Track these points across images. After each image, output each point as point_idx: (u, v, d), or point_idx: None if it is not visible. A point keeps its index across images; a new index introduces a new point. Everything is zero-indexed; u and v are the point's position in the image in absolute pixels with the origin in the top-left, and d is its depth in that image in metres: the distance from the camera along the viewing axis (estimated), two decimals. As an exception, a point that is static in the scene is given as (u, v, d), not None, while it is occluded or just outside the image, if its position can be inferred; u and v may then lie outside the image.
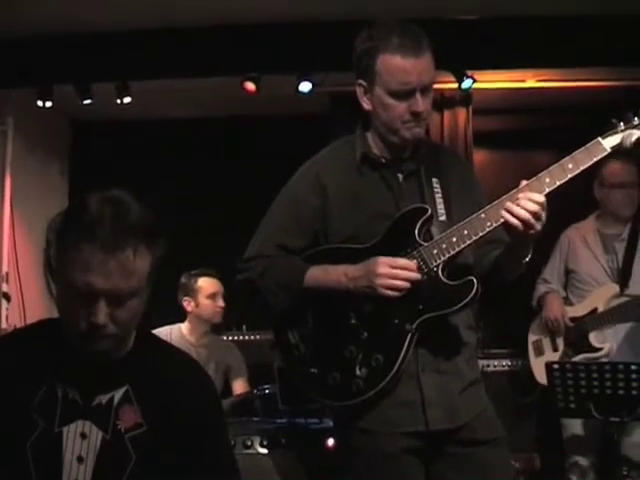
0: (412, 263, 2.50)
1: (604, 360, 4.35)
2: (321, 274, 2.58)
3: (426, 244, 2.51)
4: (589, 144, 2.43)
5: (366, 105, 2.62)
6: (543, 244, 4.33)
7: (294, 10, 5.00)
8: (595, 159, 2.42)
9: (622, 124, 2.43)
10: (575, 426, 4.39)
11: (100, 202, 1.83)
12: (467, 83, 5.44)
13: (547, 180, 2.42)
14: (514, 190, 2.44)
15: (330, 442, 4.12)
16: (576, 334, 4.48)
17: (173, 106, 6.18)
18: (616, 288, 4.44)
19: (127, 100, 5.47)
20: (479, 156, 6.11)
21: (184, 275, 5.01)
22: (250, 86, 5.38)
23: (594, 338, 4.44)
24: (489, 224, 2.45)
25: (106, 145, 6.41)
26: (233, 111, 6.20)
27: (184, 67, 5.32)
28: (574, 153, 2.43)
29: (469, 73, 5.41)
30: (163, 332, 4.80)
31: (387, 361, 2.49)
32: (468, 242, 2.48)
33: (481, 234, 2.46)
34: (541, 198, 2.38)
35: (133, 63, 5.34)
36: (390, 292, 2.48)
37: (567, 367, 3.83)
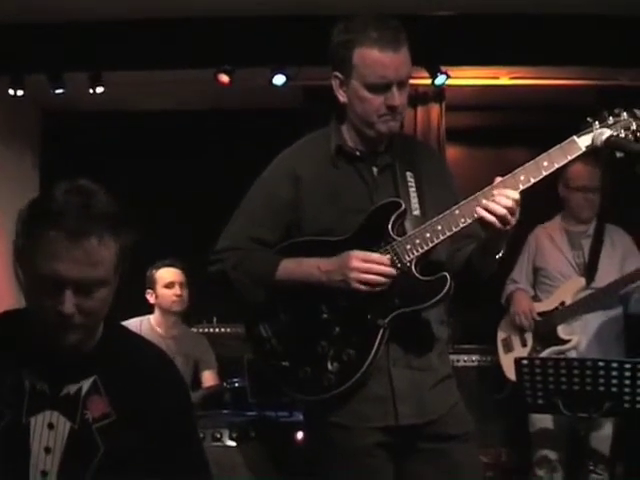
0: (385, 258, 2.49)
1: (572, 353, 4.41)
2: (294, 267, 2.56)
3: (399, 239, 2.50)
4: (564, 142, 2.43)
5: (342, 98, 2.61)
6: (513, 245, 4.41)
7: (268, 3, 4.99)
8: (570, 157, 2.42)
9: (597, 123, 2.44)
10: (543, 421, 4.43)
11: (66, 191, 1.82)
12: (441, 79, 5.46)
13: (522, 177, 2.42)
14: (488, 187, 2.44)
15: (300, 435, 4.13)
16: (544, 328, 4.53)
17: (146, 97, 6.14)
18: (582, 281, 4.51)
19: (100, 90, 5.44)
20: (452, 152, 6.14)
21: (148, 269, 5.01)
22: (224, 78, 5.37)
23: (562, 331, 4.49)
24: (463, 220, 2.45)
25: (78, 135, 6.36)
26: (207, 103, 6.17)
27: (158, 58, 5.30)
28: (549, 151, 2.44)
29: (443, 69, 5.43)
30: (133, 324, 4.78)
31: (359, 356, 2.49)
32: (442, 238, 2.47)
33: (455, 230, 2.46)
34: (516, 195, 2.39)
35: (106, 53, 5.31)
36: (363, 287, 2.47)
37: (536, 363, 3.85)
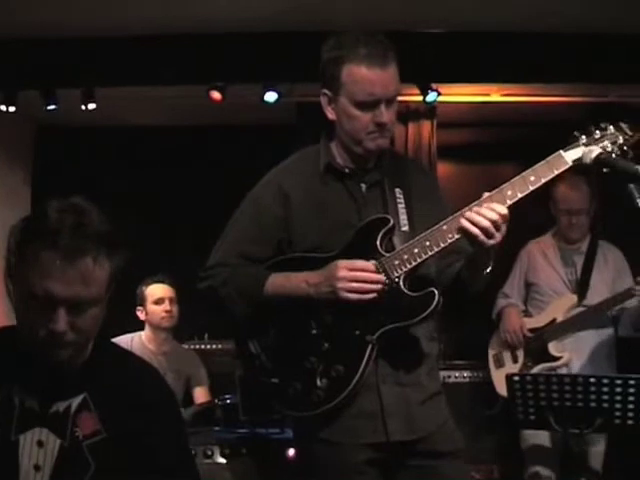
0: (371, 265, 2.48)
1: (563, 369, 4.41)
2: (282, 281, 2.55)
3: (388, 255, 2.50)
4: (550, 157, 2.45)
5: (330, 115, 2.62)
6: (505, 260, 4.42)
7: (261, 20, 5.00)
8: (557, 172, 2.44)
9: (584, 137, 2.46)
10: (535, 437, 4.43)
11: (60, 210, 1.82)
12: (432, 96, 5.47)
13: (509, 192, 2.43)
14: (475, 202, 2.44)
15: (291, 452, 4.11)
16: (535, 344, 4.53)
17: (138, 113, 6.15)
18: (574, 298, 4.51)
19: (92, 106, 5.44)
20: (443, 169, 6.15)
21: (138, 287, 5.00)
22: (216, 95, 5.38)
23: (553, 348, 4.49)
24: (450, 235, 2.45)
25: (70, 151, 6.36)
26: (199, 119, 6.18)
27: (150, 75, 5.30)
28: (536, 166, 2.45)
29: (434, 86, 5.45)
30: (124, 340, 4.77)
31: (347, 372, 2.48)
32: (430, 253, 2.48)
33: (443, 245, 2.46)
34: (503, 210, 2.39)
35: (99, 69, 5.31)
36: (351, 295, 2.45)
37: (527, 379, 3.85)
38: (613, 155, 2.43)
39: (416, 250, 2.48)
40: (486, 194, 2.45)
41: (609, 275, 4.57)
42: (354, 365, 2.48)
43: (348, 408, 2.51)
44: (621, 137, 2.46)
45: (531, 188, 2.43)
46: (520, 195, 2.43)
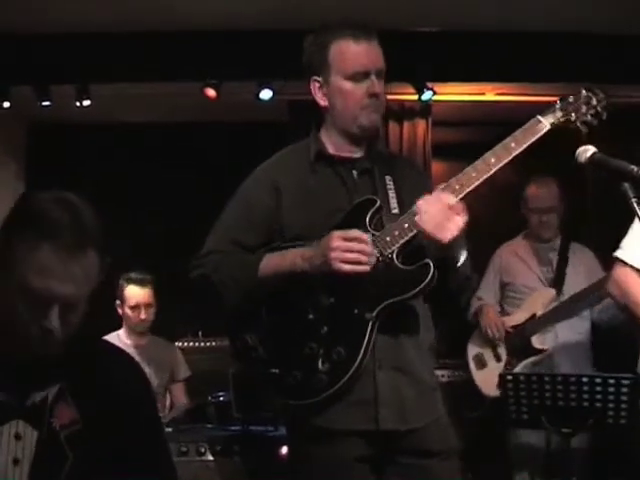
0: (365, 235, 2.46)
1: (546, 361, 4.42)
2: (277, 260, 2.53)
3: (378, 233, 2.50)
4: (528, 123, 2.57)
5: (322, 101, 2.64)
6: (480, 265, 4.44)
7: (256, 18, 5.00)
8: (537, 136, 2.55)
9: (559, 102, 2.58)
10: (522, 439, 4.42)
11: (55, 204, 1.78)
12: (427, 95, 5.48)
13: (492, 160, 2.52)
14: (461, 173, 2.50)
15: (284, 450, 4.10)
16: (518, 340, 4.53)
17: (133, 110, 6.14)
18: (552, 292, 4.55)
19: (86, 103, 5.43)
20: (437, 167, 6.15)
21: (121, 276, 5.00)
22: (211, 92, 5.38)
23: (536, 341, 4.50)
24: (461, 191, 2.47)
25: (63, 147, 6.35)
26: (194, 116, 6.17)
27: (145, 71, 5.30)
28: (515, 133, 2.57)
29: (429, 85, 5.45)
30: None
31: (350, 353, 2.45)
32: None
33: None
34: (451, 200, 2.42)
35: (94, 66, 5.30)
36: (344, 266, 2.43)
37: (520, 378, 3.86)
38: (588, 117, 2.56)
39: (406, 225, 2.48)
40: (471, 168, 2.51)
41: (582, 274, 4.62)
42: (356, 345, 2.44)
43: (345, 395, 2.47)
44: (594, 99, 2.56)
45: (513, 154, 2.52)
46: (504, 161, 2.51)
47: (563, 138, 2.64)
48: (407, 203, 2.57)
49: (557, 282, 4.59)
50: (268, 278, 2.52)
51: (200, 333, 5.49)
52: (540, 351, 4.46)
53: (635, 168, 2.21)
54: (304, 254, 2.49)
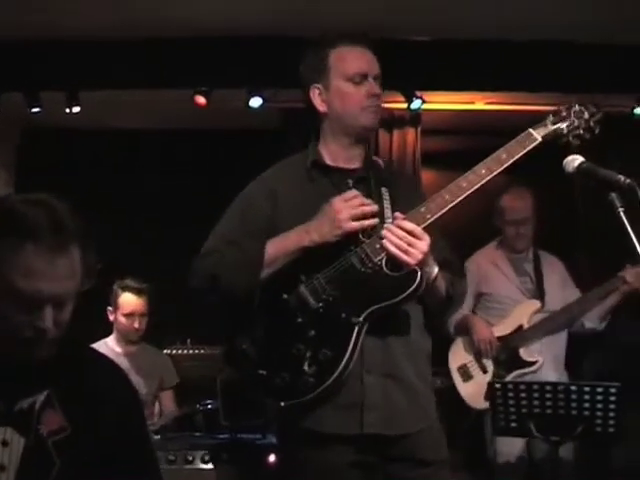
0: (357, 193, 2.56)
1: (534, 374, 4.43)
2: (280, 241, 2.59)
3: (368, 240, 2.56)
4: (520, 135, 2.61)
5: (322, 107, 2.72)
6: None
7: (246, 25, 5.01)
8: (527, 148, 2.59)
9: (551, 115, 2.62)
10: (507, 449, 4.42)
11: (31, 205, 1.78)
12: (416, 103, 5.50)
13: (483, 171, 2.60)
14: (461, 177, 2.60)
15: (272, 458, 4.10)
16: (505, 352, 4.53)
17: (123, 117, 6.13)
18: (537, 304, 4.57)
19: (76, 110, 5.42)
20: (427, 176, 6.15)
21: (115, 282, 4.97)
22: (201, 100, 5.38)
23: (524, 353, 4.50)
24: (429, 216, 2.54)
25: (53, 154, 6.33)
26: (184, 123, 6.17)
27: (135, 78, 5.30)
28: (507, 145, 2.63)
29: (418, 94, 5.46)
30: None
31: (335, 355, 2.50)
32: None
33: (421, 226, 2.52)
34: (409, 226, 2.49)
35: (84, 72, 5.30)
36: (355, 223, 2.52)
37: (509, 386, 3.86)
38: (581, 132, 2.60)
39: (378, 245, 2.54)
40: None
41: (557, 282, 4.67)
42: (342, 347, 2.50)
43: (332, 397, 2.52)
44: (587, 113, 2.61)
45: (504, 165, 2.57)
46: (495, 172, 2.58)
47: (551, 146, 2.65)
48: (401, 210, 2.61)
49: (539, 293, 4.61)
50: (275, 261, 2.58)
51: (189, 341, 5.48)
52: (530, 363, 4.47)
53: (622, 178, 2.23)
54: (308, 228, 2.56)
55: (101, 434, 1.90)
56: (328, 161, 2.74)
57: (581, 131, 2.61)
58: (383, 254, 2.53)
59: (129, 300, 4.92)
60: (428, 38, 5.16)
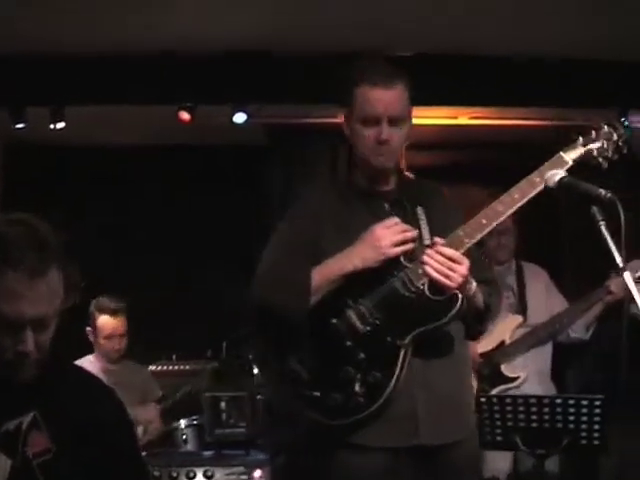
0: (397, 220, 2.67)
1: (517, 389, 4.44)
2: (323, 268, 2.69)
3: (411, 265, 2.65)
4: (552, 158, 2.58)
5: (347, 134, 2.81)
6: None
7: (230, 41, 5.02)
8: (560, 170, 2.53)
9: (581, 138, 2.61)
10: (492, 461, 4.42)
11: (11, 225, 1.78)
12: (401, 118, 5.50)
13: (516, 196, 2.61)
14: (497, 202, 2.62)
15: (257, 474, 4.10)
16: (488, 368, 4.54)
17: (108, 133, 6.13)
18: (519, 319, 4.59)
19: (60, 125, 5.41)
20: (412, 191, 6.17)
21: (92, 303, 4.94)
22: (185, 115, 5.38)
23: (506, 369, 4.52)
24: (467, 240, 2.63)
25: (38, 170, 6.32)
26: (168, 139, 6.17)
27: (119, 94, 5.29)
28: (540, 168, 2.58)
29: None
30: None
31: (384, 377, 2.62)
32: None
33: (460, 251, 2.61)
34: (450, 253, 2.58)
35: (68, 88, 5.29)
36: (397, 249, 2.63)
37: (494, 400, 3.87)
38: (609, 154, 2.60)
39: (420, 271, 2.64)
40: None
41: (541, 293, 4.69)
42: (389, 369, 2.63)
43: (384, 413, 2.64)
44: (615, 134, 2.62)
45: (537, 189, 2.57)
46: (528, 197, 2.59)
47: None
48: (438, 230, 2.72)
49: (521, 308, 4.63)
50: (320, 288, 2.69)
51: (174, 357, 5.48)
52: (512, 379, 4.48)
53: (603, 192, 2.25)
54: (350, 255, 2.67)
55: (88, 453, 1.90)
56: (363, 183, 2.83)
57: (610, 153, 2.63)
58: (425, 279, 2.62)
59: (107, 323, 4.89)
60: (410, 53, 5.18)
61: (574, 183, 2.42)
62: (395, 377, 2.62)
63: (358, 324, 2.66)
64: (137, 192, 6.31)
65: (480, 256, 2.89)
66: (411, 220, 2.74)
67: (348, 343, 2.66)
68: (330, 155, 5.65)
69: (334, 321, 2.68)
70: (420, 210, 2.78)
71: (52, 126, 5.39)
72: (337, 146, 5.56)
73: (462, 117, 5.77)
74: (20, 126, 5.38)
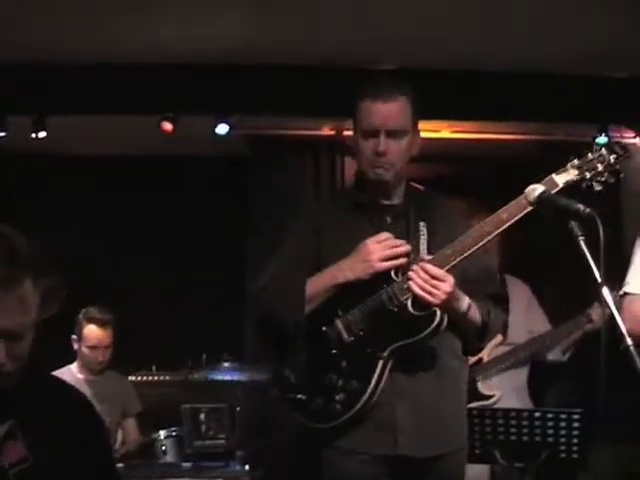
0: (389, 235, 2.72)
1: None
2: (317, 278, 2.80)
3: (398, 279, 2.71)
4: (543, 180, 2.56)
5: (353, 148, 2.89)
6: None
7: (213, 52, 5.02)
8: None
9: (576, 160, 2.59)
10: (470, 474, 4.41)
11: None
12: (383, 131, 5.51)
13: (504, 216, 2.62)
14: (486, 222, 2.65)
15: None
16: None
17: (90, 143, 6.11)
18: (499, 337, 4.56)
19: (42, 135, 5.39)
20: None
21: (80, 312, 4.93)
22: (167, 126, 5.37)
23: (482, 387, 4.52)
24: (453, 258, 2.65)
25: (19, 179, 6.29)
26: (151, 150, 6.16)
27: (102, 104, 5.28)
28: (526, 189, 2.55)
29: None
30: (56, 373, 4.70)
31: (361, 386, 2.72)
32: None
33: (446, 268, 2.65)
34: (434, 270, 2.61)
35: (50, 97, 5.28)
36: (386, 264, 2.69)
37: (474, 413, 3.87)
38: (604, 178, 2.56)
39: (405, 286, 2.69)
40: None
41: (521, 308, 4.66)
42: (366, 379, 2.72)
43: (364, 420, 2.73)
44: (611, 157, 2.58)
45: (524, 211, 2.57)
46: (514, 219, 2.60)
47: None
48: (438, 247, 2.75)
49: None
50: (314, 297, 2.79)
51: (154, 367, 5.45)
52: (487, 397, 4.49)
53: (582, 207, 2.26)
54: (342, 267, 2.76)
55: (64, 463, 1.88)
56: (367, 197, 2.87)
57: (604, 177, 2.57)
58: (409, 294, 2.67)
59: (93, 332, 4.88)
60: (393, 67, 5.20)
61: (553, 198, 2.43)
62: (371, 387, 2.70)
63: (344, 334, 2.75)
64: (118, 202, 6.29)
65: (487, 271, 2.93)
66: (412, 234, 2.80)
67: (334, 351, 2.76)
68: (312, 167, 5.68)
69: (324, 329, 2.78)
70: (422, 224, 2.82)
71: (34, 135, 5.38)
72: (319, 158, 5.61)
73: (444, 131, 5.80)
74: (1, 135, 5.36)
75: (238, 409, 4.57)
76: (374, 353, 2.73)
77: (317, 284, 2.79)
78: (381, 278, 2.73)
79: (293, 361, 2.83)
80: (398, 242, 2.73)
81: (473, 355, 3.19)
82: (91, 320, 4.89)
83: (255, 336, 3.01)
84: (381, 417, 2.73)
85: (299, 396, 2.79)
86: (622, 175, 2.58)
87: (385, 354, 2.72)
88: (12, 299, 1.75)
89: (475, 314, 2.78)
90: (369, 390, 2.70)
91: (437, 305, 2.64)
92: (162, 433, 4.66)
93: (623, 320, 3.26)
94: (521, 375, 4.63)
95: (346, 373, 2.74)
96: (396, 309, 2.70)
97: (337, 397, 2.73)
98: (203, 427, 4.50)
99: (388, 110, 2.76)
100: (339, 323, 2.76)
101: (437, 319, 2.67)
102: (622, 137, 5.60)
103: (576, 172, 2.57)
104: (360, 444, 2.74)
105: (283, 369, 2.84)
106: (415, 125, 2.86)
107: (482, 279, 2.86)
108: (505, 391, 4.50)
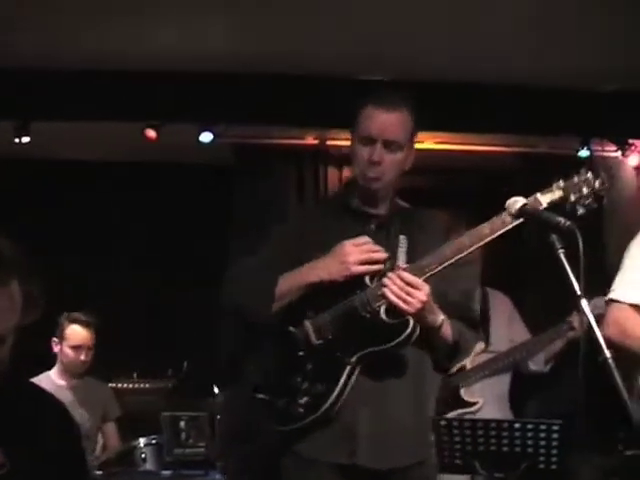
0: (368, 239, 2.69)
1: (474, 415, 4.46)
2: (291, 275, 2.74)
3: (372, 286, 2.68)
4: (528, 199, 2.54)
5: (351, 154, 2.87)
6: None
7: (198, 60, 5.03)
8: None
9: (562, 182, 2.58)
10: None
11: None
12: (367, 141, 5.53)
13: (486, 231, 2.60)
14: (465, 236, 2.64)
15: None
16: (446, 392, 4.54)
17: (73, 149, 6.09)
18: (481, 344, 4.58)
19: (26, 140, 5.38)
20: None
21: (63, 315, 4.91)
22: (151, 133, 5.37)
23: (465, 394, 4.54)
24: (428, 269, 2.63)
25: (2, 184, 6.26)
26: (135, 156, 6.15)
27: (86, 110, 5.27)
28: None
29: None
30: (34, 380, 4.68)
31: (325, 390, 2.67)
32: None
33: (422, 278, 2.62)
34: (410, 279, 2.59)
35: (34, 103, 5.27)
36: (361, 267, 2.65)
37: (454, 424, 3.87)
38: (587, 202, 2.54)
39: (379, 292, 2.66)
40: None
41: (504, 320, 4.71)
42: (332, 384, 2.67)
43: (326, 426, 2.68)
44: (596, 182, 2.57)
45: (507, 227, 2.57)
46: (497, 234, 2.60)
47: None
48: (415, 259, 2.73)
49: (484, 335, 4.63)
50: (285, 294, 2.75)
51: (135, 374, 5.44)
52: (470, 404, 4.50)
53: (562, 220, 2.28)
54: (316, 266, 2.72)
55: (41, 470, 1.88)
56: (356, 203, 2.86)
57: (588, 201, 2.56)
58: (383, 301, 2.64)
59: (77, 332, 4.87)
60: (379, 78, 5.23)
61: (534, 211, 2.45)
62: (336, 393, 2.65)
63: (312, 336, 2.72)
64: (102, 209, 6.27)
65: (466, 294, 2.88)
66: (392, 245, 2.77)
67: (300, 353, 2.73)
68: (296, 176, 5.68)
69: (292, 329, 2.74)
70: (403, 237, 2.80)
71: (17, 140, 5.36)
72: (303, 167, 5.61)
73: (428, 142, 5.81)
74: (-16, 140, 5.34)
75: (218, 417, 4.56)
76: (342, 358, 2.68)
77: (289, 281, 2.75)
78: (355, 283, 2.69)
79: (259, 359, 2.80)
80: (376, 247, 2.70)
81: (441, 373, 3.13)
82: (74, 321, 4.89)
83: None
84: (342, 424, 2.68)
85: (261, 396, 2.76)
86: (604, 202, 2.59)
87: (353, 360, 2.67)
88: (4, 298, 1.74)
89: (448, 331, 2.74)
90: (333, 395, 2.66)
91: (411, 314, 2.60)
92: (142, 441, 4.64)
93: (605, 325, 3.33)
94: (503, 384, 4.66)
95: (311, 376, 2.70)
96: (368, 315, 2.67)
97: (300, 400, 2.69)
98: (183, 435, 4.49)
99: (389, 120, 2.76)
100: (308, 325, 2.73)
101: (409, 329, 2.63)
102: (604, 150, 5.66)
103: (561, 193, 2.57)
104: (318, 450, 2.69)
105: (250, 367, 2.82)
106: (412, 140, 2.86)
107: (460, 303, 2.82)
108: (487, 399, 4.52)
